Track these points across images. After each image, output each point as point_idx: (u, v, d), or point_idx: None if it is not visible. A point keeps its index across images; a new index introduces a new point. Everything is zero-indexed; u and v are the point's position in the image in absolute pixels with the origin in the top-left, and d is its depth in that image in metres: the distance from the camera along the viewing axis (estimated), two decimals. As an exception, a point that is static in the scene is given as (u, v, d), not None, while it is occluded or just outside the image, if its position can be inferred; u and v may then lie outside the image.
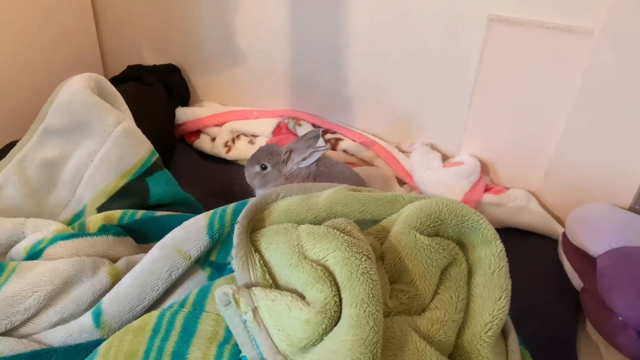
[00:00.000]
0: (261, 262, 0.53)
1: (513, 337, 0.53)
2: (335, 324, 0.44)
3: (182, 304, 0.53)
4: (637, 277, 0.65)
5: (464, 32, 0.80)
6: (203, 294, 0.54)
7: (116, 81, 1.04)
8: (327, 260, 0.48)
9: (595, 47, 0.72)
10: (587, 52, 0.73)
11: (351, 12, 0.87)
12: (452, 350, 0.50)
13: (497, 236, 0.55)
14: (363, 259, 0.47)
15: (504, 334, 0.54)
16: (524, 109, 0.82)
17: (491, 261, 0.53)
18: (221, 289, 0.49)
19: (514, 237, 0.82)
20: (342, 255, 0.47)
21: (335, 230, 0.50)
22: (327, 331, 0.44)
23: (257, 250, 0.55)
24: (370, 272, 0.46)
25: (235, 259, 0.53)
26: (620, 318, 0.65)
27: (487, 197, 0.83)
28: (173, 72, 1.06)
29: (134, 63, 1.08)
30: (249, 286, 0.51)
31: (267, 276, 0.52)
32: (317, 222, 0.57)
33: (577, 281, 0.74)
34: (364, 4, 0.85)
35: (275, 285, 0.52)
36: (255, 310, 0.47)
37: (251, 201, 0.59)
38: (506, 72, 0.80)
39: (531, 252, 0.80)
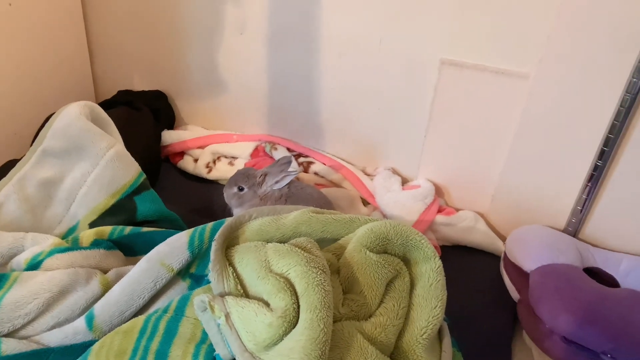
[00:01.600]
0: (234, 274, 0.61)
1: (447, 340, 0.62)
2: (294, 327, 0.53)
3: (165, 310, 0.61)
4: (560, 290, 0.75)
5: (420, 72, 0.89)
6: (183, 301, 0.62)
7: (107, 105, 1.09)
8: (289, 273, 0.57)
9: (531, 90, 0.82)
10: (524, 93, 0.83)
11: (322, 53, 0.95)
12: (393, 351, 0.58)
13: (436, 254, 0.64)
14: (319, 272, 0.55)
15: (440, 337, 0.63)
16: (472, 140, 0.91)
17: (430, 275, 0.62)
18: (199, 297, 0.58)
19: (462, 253, 0.91)
20: (302, 269, 0.56)
21: (297, 248, 0.59)
22: (286, 333, 0.52)
23: (231, 264, 0.63)
24: (324, 284, 0.54)
25: (212, 272, 0.60)
26: (547, 326, 0.75)
27: (440, 218, 0.92)
28: (160, 97, 1.12)
29: (124, 88, 1.15)
30: (223, 295, 0.60)
31: (239, 287, 0.60)
32: (284, 240, 0.65)
33: (514, 293, 0.83)
34: (333, 46, 0.94)
35: (245, 294, 0.60)
36: (227, 316, 0.55)
37: (227, 221, 0.67)
38: (456, 108, 0.89)
39: (477, 267, 0.89)
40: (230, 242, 0.66)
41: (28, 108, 1.02)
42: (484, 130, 0.89)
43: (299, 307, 0.54)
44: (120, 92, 1.14)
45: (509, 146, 0.88)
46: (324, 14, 0.92)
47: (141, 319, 0.61)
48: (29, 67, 1.01)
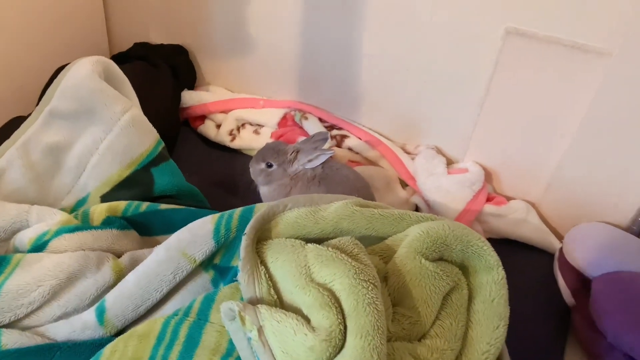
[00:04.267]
0: (266, 275, 0.53)
1: (507, 367, 0.54)
2: (339, 351, 0.45)
3: (186, 313, 0.54)
4: (629, 304, 0.66)
5: (479, 42, 0.79)
6: (207, 303, 0.55)
7: (121, 58, 1.01)
8: (333, 285, 0.49)
9: (610, 69, 0.71)
10: (602, 73, 0.72)
11: (364, 14, 0.84)
12: (449, 378, 0.51)
13: (500, 263, 0.56)
14: (370, 287, 0.47)
15: (499, 361, 0.55)
16: (532, 122, 0.81)
17: (492, 288, 0.54)
18: (227, 304, 0.50)
19: (510, 248, 0.83)
20: (349, 282, 0.48)
21: (342, 255, 0.50)
22: (330, 358, 0.45)
23: (263, 262, 0.55)
24: (377, 303, 0.46)
25: (242, 272, 0.53)
26: (608, 340, 0.67)
27: (488, 208, 0.83)
28: (181, 53, 1.03)
29: (141, 41, 1.06)
30: (253, 300, 0.52)
31: (272, 291, 0.53)
32: (324, 236, 0.58)
33: (569, 299, 0.75)
34: (378, 6, 0.83)
35: (279, 300, 0.52)
36: (260, 330, 0.48)
37: (258, 212, 0.59)
38: (518, 85, 0.79)
39: (526, 265, 0.81)
40: (261, 235, 0.58)
41: (35, 60, 0.94)
42: (548, 111, 0.80)
43: (345, 327, 0.46)
44: (136, 45, 1.06)
45: (573, 132, 0.79)
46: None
47: (159, 322, 0.54)
48: (37, 15, 0.93)
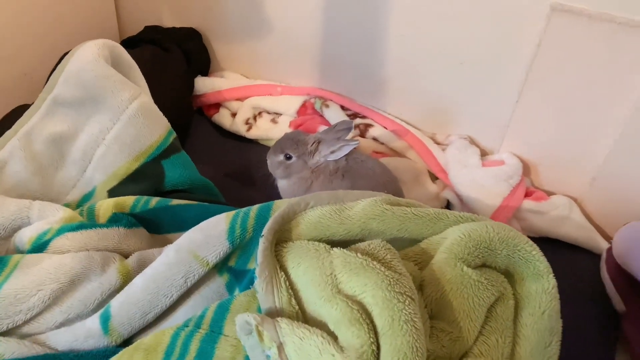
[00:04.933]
0: (287, 283, 0.48)
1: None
2: (371, 375, 0.40)
3: (198, 324, 0.49)
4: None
5: (520, 19, 0.71)
6: (221, 313, 0.50)
7: (131, 43, 0.97)
8: (364, 297, 0.43)
9: (672, 50, 0.64)
10: (660, 54, 0.65)
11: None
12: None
13: (550, 270, 0.50)
14: (407, 302, 0.41)
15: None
16: (577, 109, 0.74)
17: (542, 299, 0.49)
18: (243, 317, 0.44)
19: (552, 248, 0.76)
20: (383, 295, 0.42)
21: (374, 263, 0.45)
22: (362, 383, 0.39)
23: (283, 268, 0.50)
24: (415, 320, 0.40)
25: (259, 279, 0.48)
26: (666, 353, 0.61)
27: (527, 204, 0.76)
28: (194, 37, 0.98)
29: (152, 24, 1.01)
30: (272, 311, 0.47)
31: (293, 301, 0.47)
32: (350, 237, 0.52)
33: (619, 305, 0.69)
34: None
35: (301, 311, 0.47)
36: (280, 347, 0.43)
37: (277, 210, 0.54)
38: (563, 69, 0.72)
39: (569, 266, 0.74)
40: (280, 237, 0.53)
41: (40, 45, 0.89)
42: (596, 97, 0.73)
43: (378, 347, 0.40)
44: (147, 29, 1.01)
45: (624, 121, 0.71)
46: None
47: (168, 333, 0.49)
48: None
